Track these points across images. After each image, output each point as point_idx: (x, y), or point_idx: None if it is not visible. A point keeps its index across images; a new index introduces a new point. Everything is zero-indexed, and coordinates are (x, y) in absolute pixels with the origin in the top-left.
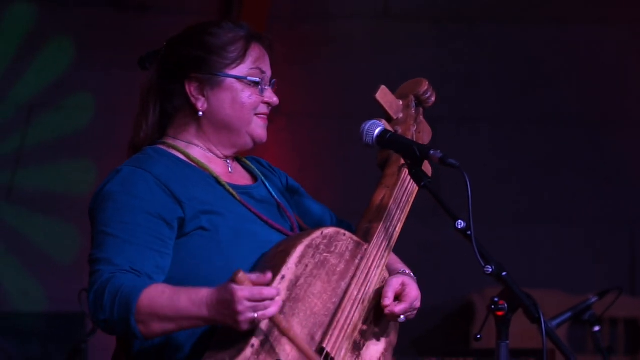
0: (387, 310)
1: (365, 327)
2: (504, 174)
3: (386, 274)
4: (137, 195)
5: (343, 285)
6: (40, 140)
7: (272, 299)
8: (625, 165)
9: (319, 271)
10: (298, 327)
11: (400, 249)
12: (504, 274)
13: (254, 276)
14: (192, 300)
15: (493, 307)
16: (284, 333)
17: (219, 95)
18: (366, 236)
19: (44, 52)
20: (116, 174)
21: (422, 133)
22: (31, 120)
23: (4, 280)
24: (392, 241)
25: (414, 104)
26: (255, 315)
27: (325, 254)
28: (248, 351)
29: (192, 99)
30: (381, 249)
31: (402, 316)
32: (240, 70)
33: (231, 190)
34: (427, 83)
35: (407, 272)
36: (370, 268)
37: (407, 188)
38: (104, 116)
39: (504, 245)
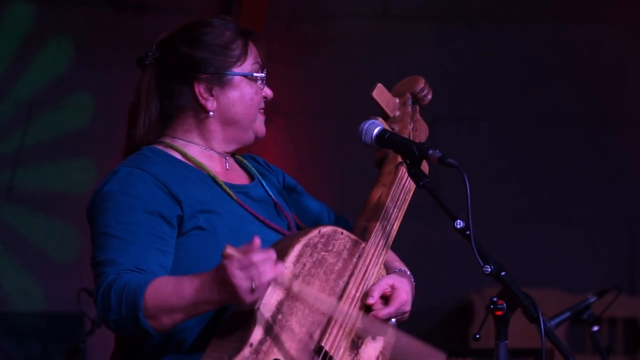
0: (371, 314)
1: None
2: (504, 174)
3: (384, 272)
4: (136, 194)
5: (341, 283)
6: (40, 140)
7: (263, 262)
8: (625, 165)
9: (316, 270)
10: (296, 325)
11: (400, 249)
12: (502, 273)
13: (242, 247)
14: (196, 286)
15: (492, 306)
16: (295, 295)
17: (228, 94)
18: (364, 234)
19: (44, 51)
20: (114, 175)
21: (418, 131)
22: (31, 120)
23: (4, 280)
24: (389, 239)
25: (411, 102)
26: (252, 284)
27: (322, 253)
28: (246, 350)
29: (202, 100)
30: (379, 247)
31: (391, 319)
32: (245, 67)
33: (228, 190)
34: (423, 81)
35: (404, 270)
36: (368, 266)
37: (404, 186)
38: (103, 116)
39: (503, 245)
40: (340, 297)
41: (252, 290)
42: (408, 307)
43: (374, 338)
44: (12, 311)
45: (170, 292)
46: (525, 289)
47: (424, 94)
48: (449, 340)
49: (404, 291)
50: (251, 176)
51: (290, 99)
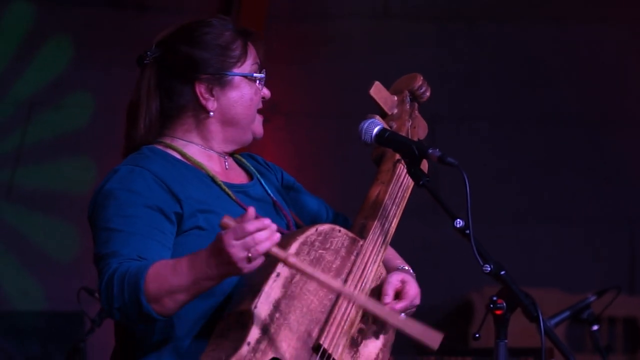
0: (387, 307)
1: (362, 324)
2: (504, 174)
3: (382, 270)
4: (136, 190)
5: (339, 281)
6: (40, 139)
7: (258, 230)
8: (625, 165)
9: (314, 268)
10: (294, 324)
11: (400, 247)
12: (502, 272)
13: (238, 217)
14: (193, 264)
15: (492, 306)
16: (286, 263)
17: (229, 94)
18: (362, 232)
19: (44, 51)
20: (114, 174)
21: (417, 128)
22: (31, 119)
23: (4, 279)
24: (388, 237)
25: (409, 99)
26: (248, 254)
27: (320, 251)
28: (244, 349)
29: (202, 100)
30: (377, 244)
31: (402, 314)
32: (245, 67)
33: (227, 189)
34: (421, 78)
35: (406, 268)
36: (366, 264)
37: (402, 183)
38: (103, 115)
39: (503, 245)
40: (338, 295)
41: (249, 259)
42: (418, 301)
43: (374, 336)
44: (12, 310)
45: (169, 272)
46: (525, 289)
47: (422, 91)
48: (449, 339)
49: (413, 285)
50: (250, 175)
51: (290, 99)
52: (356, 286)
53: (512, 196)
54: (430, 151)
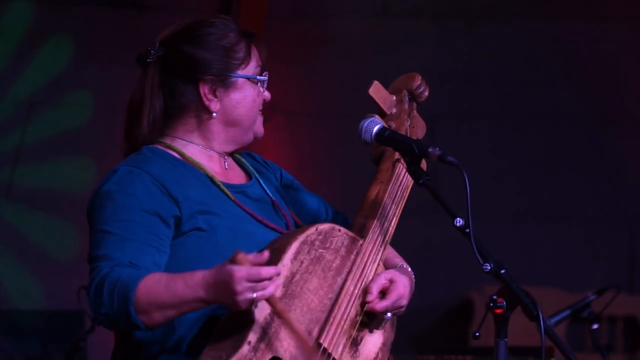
0: (367, 307)
1: (362, 321)
2: (504, 174)
3: (382, 269)
4: (134, 193)
5: (339, 280)
6: (39, 138)
7: (269, 278)
8: (625, 165)
9: (314, 267)
10: (295, 323)
11: (400, 246)
12: (502, 271)
13: (251, 256)
14: (188, 284)
15: (492, 304)
16: (280, 315)
17: (232, 96)
18: (361, 232)
19: (43, 50)
20: (113, 174)
21: (416, 128)
22: (31, 118)
23: (4, 278)
24: (387, 236)
25: (407, 99)
26: (254, 295)
27: (320, 250)
28: (245, 348)
29: (206, 101)
30: (377, 244)
31: (387, 313)
32: (249, 69)
33: (226, 190)
34: (420, 77)
35: (405, 266)
36: (366, 263)
37: (401, 182)
38: (103, 114)
39: (503, 244)
40: (338, 294)
41: (253, 302)
42: (405, 302)
43: (374, 335)
44: (12, 310)
45: (163, 288)
46: (525, 288)
47: (420, 90)
48: (449, 338)
49: (401, 285)
50: (249, 175)
51: (290, 99)
52: (356, 285)
53: (512, 196)
54: (430, 150)
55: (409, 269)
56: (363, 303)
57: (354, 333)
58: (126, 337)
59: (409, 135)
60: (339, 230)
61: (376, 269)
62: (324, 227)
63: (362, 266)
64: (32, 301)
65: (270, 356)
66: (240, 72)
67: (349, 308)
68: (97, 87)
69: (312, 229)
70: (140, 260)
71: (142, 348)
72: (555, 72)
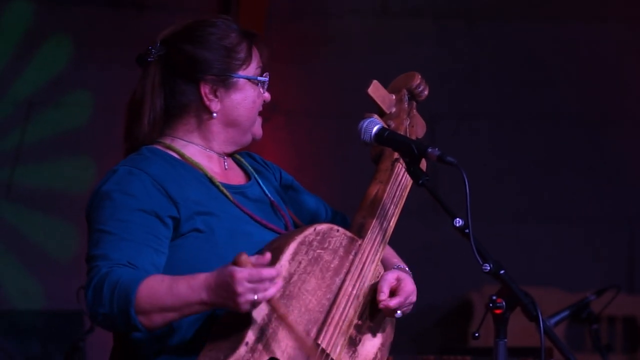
0: (382, 305)
1: (360, 323)
2: (504, 173)
3: (381, 269)
4: (133, 193)
5: (337, 281)
6: (39, 138)
7: (271, 279)
8: (625, 165)
9: (312, 268)
10: (293, 324)
11: (399, 246)
12: (502, 272)
13: (253, 258)
14: (191, 286)
15: (491, 305)
16: (281, 318)
17: (233, 96)
18: (360, 231)
19: (43, 49)
20: (112, 174)
21: (415, 127)
22: (30, 118)
23: (3, 278)
24: (386, 236)
25: (407, 98)
26: (255, 297)
27: (318, 251)
28: (242, 349)
29: (206, 101)
30: (375, 244)
31: (398, 311)
32: (249, 70)
33: (225, 190)
34: (419, 77)
35: (403, 266)
36: (364, 263)
37: (400, 182)
38: (103, 114)
39: (503, 244)
40: (336, 295)
41: (254, 304)
42: (414, 298)
43: (373, 335)
44: (12, 310)
45: (164, 290)
46: (525, 288)
47: (420, 89)
48: (449, 338)
49: (409, 282)
50: (248, 175)
51: (290, 99)
52: (354, 285)
53: (512, 196)
54: (430, 150)
55: (407, 269)
56: (362, 303)
57: (353, 333)
58: (125, 337)
59: (408, 134)
60: (337, 231)
61: (375, 269)
62: (322, 227)
63: (361, 266)
64: (32, 301)
65: (267, 357)
66: (241, 73)
67: (347, 308)
68: (97, 87)
69: (310, 230)
70: (138, 260)
71: (140, 348)
72: (555, 72)
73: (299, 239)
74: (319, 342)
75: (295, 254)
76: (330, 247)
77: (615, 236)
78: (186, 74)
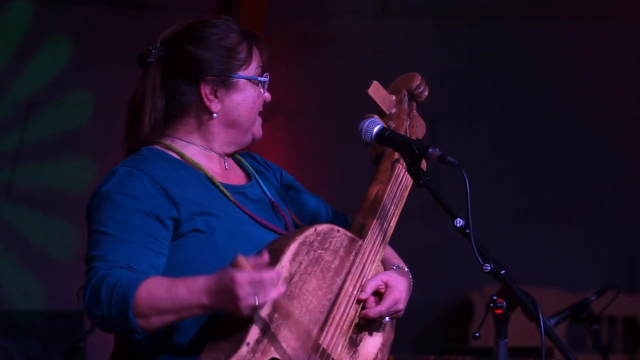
0: (361, 313)
1: (361, 323)
2: (504, 173)
3: (382, 269)
4: (132, 195)
5: (338, 281)
6: (39, 138)
7: (272, 282)
8: (625, 165)
9: (313, 268)
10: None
11: (400, 247)
12: (502, 272)
13: (252, 260)
14: (190, 289)
15: (492, 305)
16: (285, 318)
17: (233, 97)
18: (360, 232)
19: (43, 49)
20: (112, 175)
21: (415, 127)
22: (30, 118)
23: (4, 278)
24: (386, 236)
25: (407, 99)
26: (257, 300)
27: (319, 251)
28: (244, 349)
29: (207, 101)
30: (376, 244)
31: (386, 317)
32: (250, 70)
33: (225, 191)
34: (419, 77)
35: (402, 267)
36: (365, 264)
37: (401, 183)
38: (103, 114)
39: (504, 244)
40: (337, 295)
41: (255, 307)
42: (402, 306)
43: (373, 335)
44: (12, 310)
45: (163, 293)
46: (525, 288)
47: (420, 90)
48: (449, 338)
49: (397, 290)
50: (249, 176)
51: (290, 99)
52: (355, 286)
53: (512, 196)
54: (430, 150)
55: (406, 270)
56: (362, 304)
57: (353, 334)
58: (126, 338)
59: (408, 135)
60: (338, 231)
61: (375, 269)
62: (323, 227)
63: (361, 266)
64: (32, 301)
65: (269, 357)
66: (241, 73)
67: (347, 309)
68: (97, 87)
69: (310, 230)
70: (137, 262)
71: (141, 348)
72: (555, 72)
73: (299, 239)
74: (320, 342)
75: (295, 254)
76: (331, 247)
77: (615, 236)
78: (186, 74)
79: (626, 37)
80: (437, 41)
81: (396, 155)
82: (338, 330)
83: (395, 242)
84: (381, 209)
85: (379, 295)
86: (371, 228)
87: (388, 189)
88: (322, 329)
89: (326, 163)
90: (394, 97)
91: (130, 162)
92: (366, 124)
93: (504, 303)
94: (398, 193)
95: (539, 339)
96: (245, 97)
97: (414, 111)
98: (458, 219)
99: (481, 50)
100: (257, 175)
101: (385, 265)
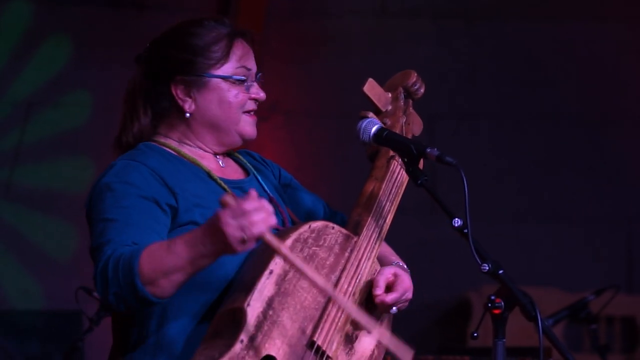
0: (378, 300)
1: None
2: (504, 173)
3: (377, 266)
4: (132, 183)
5: (333, 278)
6: (38, 138)
7: (255, 210)
8: (625, 165)
9: (307, 265)
10: (288, 321)
11: (397, 246)
12: (500, 272)
13: (238, 198)
14: (188, 242)
15: (490, 305)
16: (300, 271)
17: (206, 96)
18: (356, 229)
19: (42, 49)
20: (110, 168)
21: (411, 125)
22: (29, 118)
23: (3, 278)
24: (382, 233)
25: (403, 96)
26: (244, 235)
27: (314, 248)
28: (237, 347)
29: (179, 101)
30: (371, 241)
31: (394, 307)
32: (225, 69)
33: (223, 184)
34: (415, 75)
35: (400, 264)
36: (360, 260)
37: (396, 180)
38: (102, 114)
39: (503, 244)
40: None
41: (243, 241)
42: (410, 295)
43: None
44: (12, 310)
45: (164, 253)
46: (524, 288)
47: (416, 87)
48: (447, 338)
49: (406, 278)
50: (247, 172)
51: (289, 99)
52: (350, 283)
53: (512, 196)
54: (429, 150)
55: (405, 267)
56: (358, 300)
57: (349, 330)
58: (123, 337)
59: (404, 132)
60: (333, 228)
61: (371, 266)
62: (317, 224)
63: (357, 263)
64: (32, 301)
65: (263, 354)
66: (213, 72)
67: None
68: (97, 87)
69: (305, 227)
70: (143, 241)
71: (138, 348)
72: (554, 72)
73: (293, 236)
74: (315, 338)
75: (290, 251)
76: (326, 244)
77: (615, 236)
78: (159, 75)
79: (625, 37)
80: (437, 41)
81: (392, 152)
82: (333, 327)
83: (393, 241)
84: (377, 205)
85: (387, 286)
86: (366, 225)
87: (384, 185)
88: (317, 325)
89: (326, 163)
90: (389, 94)
91: (128, 155)
92: (364, 123)
93: (502, 303)
94: (394, 190)
95: (537, 339)
96: (220, 97)
97: (410, 108)
98: (456, 218)
99: (480, 50)
100: (255, 172)
101: (384, 262)
